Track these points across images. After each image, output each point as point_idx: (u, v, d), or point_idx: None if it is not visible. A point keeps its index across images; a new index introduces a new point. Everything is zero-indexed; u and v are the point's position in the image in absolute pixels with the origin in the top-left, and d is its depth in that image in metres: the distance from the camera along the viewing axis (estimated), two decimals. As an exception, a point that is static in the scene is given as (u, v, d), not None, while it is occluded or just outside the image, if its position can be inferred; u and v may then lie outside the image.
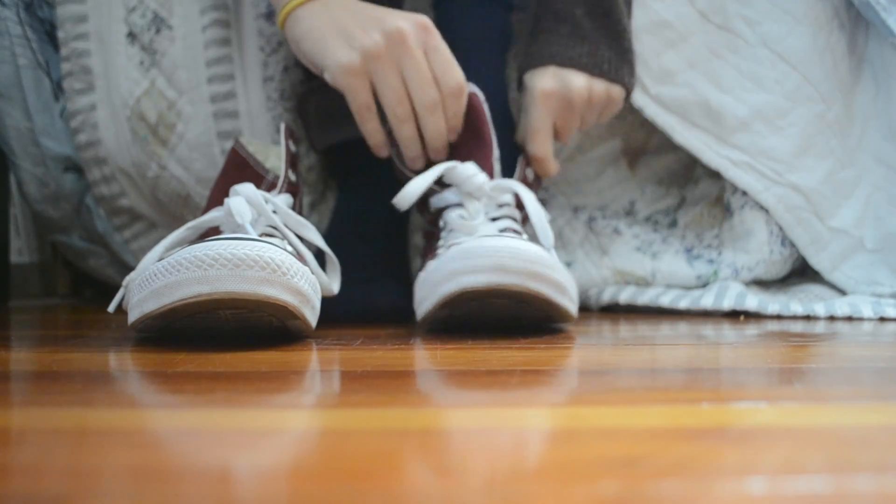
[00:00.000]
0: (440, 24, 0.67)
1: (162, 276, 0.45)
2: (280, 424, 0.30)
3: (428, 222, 0.68)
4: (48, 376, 0.41)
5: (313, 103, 0.76)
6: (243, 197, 0.55)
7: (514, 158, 0.72)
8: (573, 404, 0.34)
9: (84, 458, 0.25)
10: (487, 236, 0.54)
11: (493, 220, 0.62)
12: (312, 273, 0.53)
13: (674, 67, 0.78)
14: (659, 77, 0.78)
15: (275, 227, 0.56)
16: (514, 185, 0.63)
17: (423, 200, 0.66)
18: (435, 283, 0.54)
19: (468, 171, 0.62)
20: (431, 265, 0.57)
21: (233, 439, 0.28)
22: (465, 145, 0.67)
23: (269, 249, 0.46)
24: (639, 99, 0.79)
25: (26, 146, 0.84)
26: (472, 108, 0.66)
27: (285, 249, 0.50)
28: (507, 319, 0.57)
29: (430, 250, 0.64)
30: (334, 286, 0.59)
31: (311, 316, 0.51)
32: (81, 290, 1.02)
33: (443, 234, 0.63)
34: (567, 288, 0.55)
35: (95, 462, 0.25)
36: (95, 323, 0.70)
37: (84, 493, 0.22)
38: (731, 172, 0.78)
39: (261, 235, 0.53)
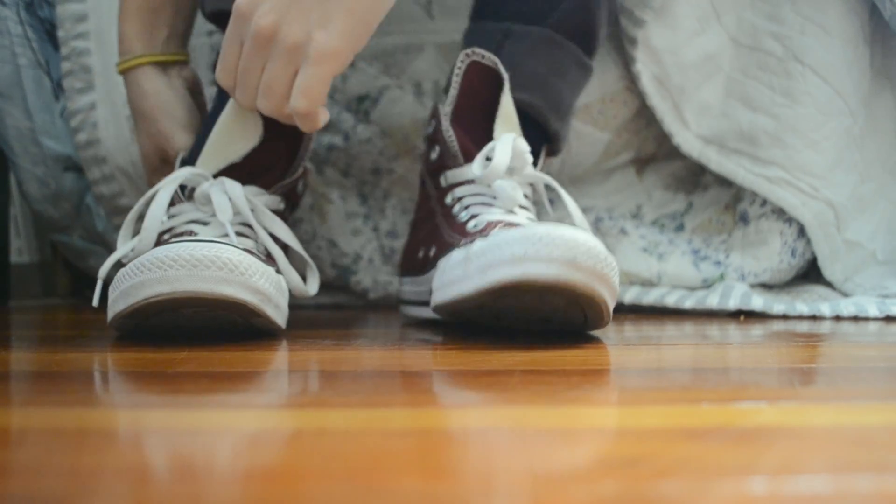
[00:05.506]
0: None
1: (129, 277, 0.48)
2: (280, 424, 0.30)
3: (438, 198, 0.62)
4: (48, 376, 0.41)
5: None
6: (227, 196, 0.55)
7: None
8: (574, 404, 0.34)
9: (84, 458, 0.25)
10: (549, 223, 0.48)
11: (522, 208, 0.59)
12: (279, 272, 0.54)
13: (712, 100, 0.79)
14: (699, 111, 0.79)
15: (248, 225, 0.56)
16: (547, 177, 0.60)
17: (436, 171, 0.63)
18: (486, 266, 0.47)
19: (524, 146, 0.59)
20: (478, 245, 0.49)
21: (232, 439, 0.28)
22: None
23: (227, 250, 0.48)
24: (678, 135, 0.79)
25: (27, 146, 0.84)
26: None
27: (254, 251, 0.52)
28: (532, 323, 0.53)
29: (449, 228, 0.59)
30: (311, 288, 0.58)
31: (276, 314, 0.51)
32: (81, 290, 1.02)
33: (462, 212, 0.58)
34: (615, 297, 0.50)
35: (95, 462, 0.25)
36: (95, 323, 0.70)
37: (84, 493, 0.22)
38: (767, 189, 0.78)
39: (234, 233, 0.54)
